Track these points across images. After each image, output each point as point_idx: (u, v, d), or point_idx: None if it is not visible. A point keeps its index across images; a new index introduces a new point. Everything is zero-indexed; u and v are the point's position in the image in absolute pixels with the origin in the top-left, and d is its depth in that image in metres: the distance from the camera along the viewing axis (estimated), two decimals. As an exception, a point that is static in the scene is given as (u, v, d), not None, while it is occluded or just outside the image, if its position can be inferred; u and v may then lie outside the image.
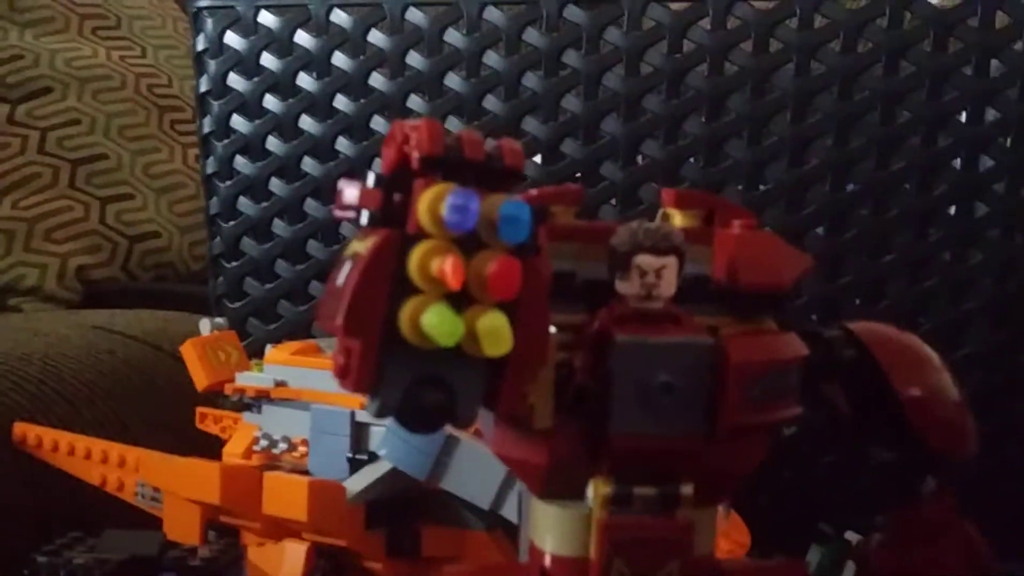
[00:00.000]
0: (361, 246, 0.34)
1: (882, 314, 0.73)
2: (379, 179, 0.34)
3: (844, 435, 0.43)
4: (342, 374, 0.34)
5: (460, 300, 0.34)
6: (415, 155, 0.34)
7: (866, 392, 0.41)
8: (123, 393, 0.85)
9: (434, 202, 0.33)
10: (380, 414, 0.34)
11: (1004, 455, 0.73)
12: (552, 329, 0.37)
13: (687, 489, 0.38)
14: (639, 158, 0.77)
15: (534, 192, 0.40)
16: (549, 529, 0.39)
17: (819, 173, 0.74)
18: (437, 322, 0.33)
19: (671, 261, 0.37)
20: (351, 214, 0.35)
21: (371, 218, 0.34)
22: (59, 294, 1.37)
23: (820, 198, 0.74)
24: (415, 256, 0.33)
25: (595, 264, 0.39)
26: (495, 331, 0.33)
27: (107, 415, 0.82)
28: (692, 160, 0.76)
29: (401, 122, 0.35)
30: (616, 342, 0.37)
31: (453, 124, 0.78)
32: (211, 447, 0.72)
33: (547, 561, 0.39)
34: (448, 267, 0.33)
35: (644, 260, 0.37)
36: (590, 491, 0.38)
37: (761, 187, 0.75)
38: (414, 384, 0.34)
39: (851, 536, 0.57)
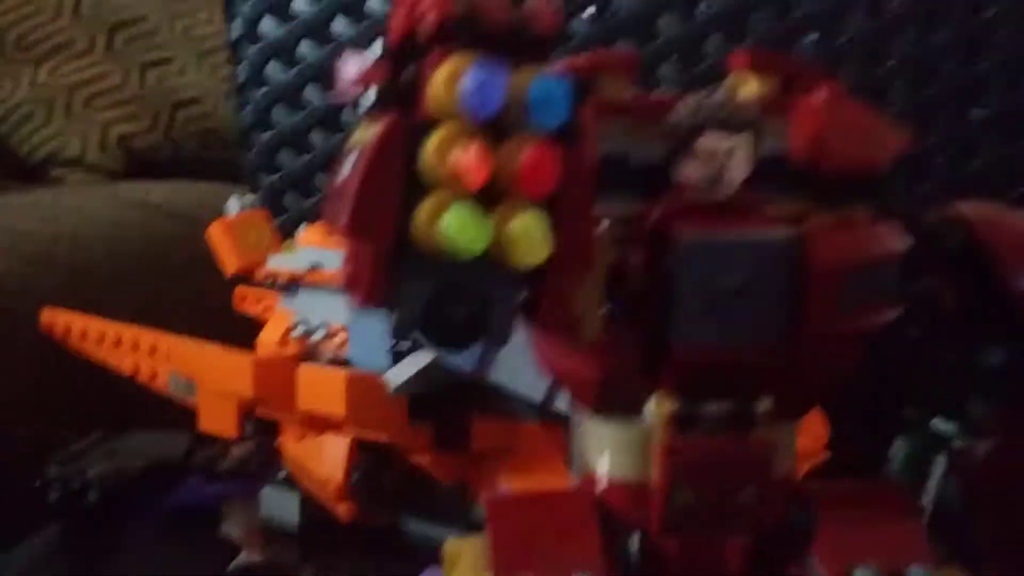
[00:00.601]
0: (366, 134, 0.29)
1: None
2: (385, 51, 0.28)
3: (949, 333, 0.37)
4: (351, 284, 0.29)
5: (486, 198, 0.28)
6: (427, 20, 0.28)
7: (975, 284, 0.35)
8: (157, 272, 0.81)
9: (451, 79, 0.27)
10: (400, 332, 0.30)
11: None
12: (603, 223, 0.31)
13: (764, 405, 0.32)
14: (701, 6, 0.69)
15: (578, 59, 0.34)
16: (604, 450, 0.34)
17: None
18: (459, 227, 0.27)
19: (743, 140, 0.31)
20: (353, 95, 0.29)
21: (377, 99, 0.29)
22: (102, 163, 1.33)
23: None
24: (430, 146, 0.28)
25: (652, 145, 0.33)
26: (529, 235, 0.28)
27: (140, 296, 0.78)
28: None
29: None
30: (678, 240, 0.31)
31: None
32: (252, 329, 0.68)
33: (602, 485, 0.34)
34: (471, 159, 0.27)
35: (711, 140, 0.31)
36: (651, 407, 0.33)
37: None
38: (437, 295, 0.29)
39: (939, 425, 0.52)
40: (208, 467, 0.60)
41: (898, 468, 0.52)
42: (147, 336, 0.65)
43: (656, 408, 0.32)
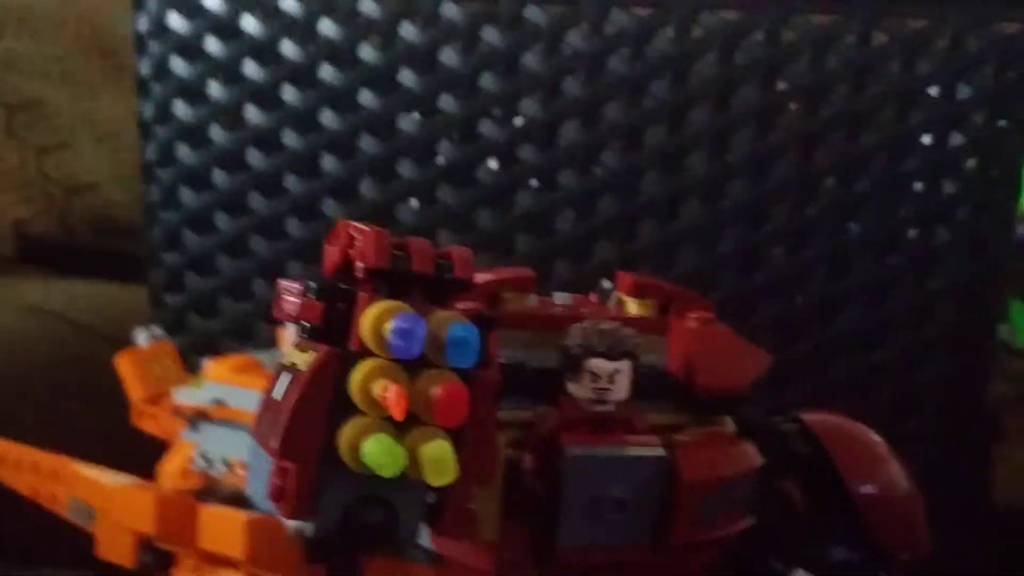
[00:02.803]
0: (301, 359, 0.33)
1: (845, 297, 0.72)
2: (319, 291, 0.32)
3: (800, 533, 0.42)
4: (277, 497, 0.32)
5: (404, 422, 0.32)
6: (359, 265, 0.32)
7: (822, 489, 0.40)
8: (58, 386, 0.82)
9: (378, 322, 0.31)
10: (318, 535, 0.33)
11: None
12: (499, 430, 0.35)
13: (635, 598, 0.37)
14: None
15: (485, 277, 0.38)
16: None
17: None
18: (378, 452, 0.31)
19: (625, 366, 0.36)
20: (289, 320, 0.33)
21: (312, 331, 0.33)
22: (-6, 248, 1.32)
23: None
24: (357, 377, 0.32)
25: (547, 354, 0.37)
26: (440, 461, 0.32)
27: (41, 411, 0.79)
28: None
29: (347, 223, 0.33)
30: (567, 454, 0.35)
31: (406, 122, 0.76)
32: (150, 443, 0.70)
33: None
34: (392, 395, 0.31)
35: (597, 364, 0.36)
36: (538, 598, 0.37)
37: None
38: (353, 507, 0.33)
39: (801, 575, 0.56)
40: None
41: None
42: (48, 460, 0.67)
43: (541, 599, 0.36)
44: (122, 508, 0.60)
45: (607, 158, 0.74)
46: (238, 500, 0.62)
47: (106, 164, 1.48)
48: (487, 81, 0.75)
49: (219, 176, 0.79)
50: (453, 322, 0.32)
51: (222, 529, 0.57)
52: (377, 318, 0.31)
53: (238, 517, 0.58)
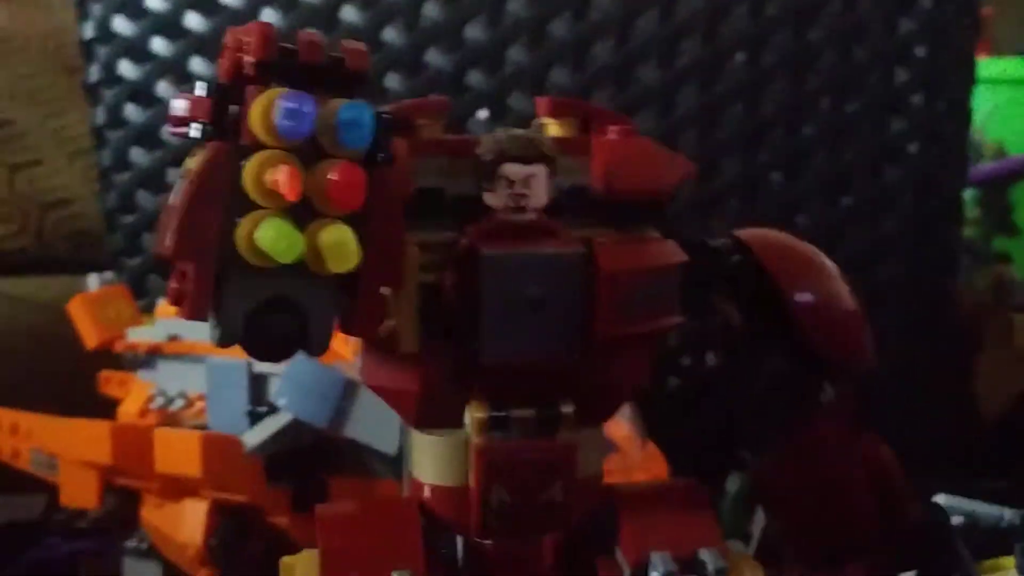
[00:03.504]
0: (193, 162, 0.32)
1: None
2: (209, 87, 0.32)
3: (737, 346, 0.41)
4: (176, 300, 0.31)
5: (303, 214, 0.31)
6: (248, 60, 0.31)
7: (756, 299, 0.39)
8: (20, 357, 0.81)
9: (266, 108, 0.31)
10: (223, 342, 0.32)
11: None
12: (414, 247, 0.34)
13: (567, 408, 0.36)
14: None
15: (396, 105, 0.37)
16: (426, 458, 0.37)
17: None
18: (273, 236, 0.30)
19: (540, 169, 0.35)
20: (184, 129, 0.32)
21: (203, 131, 0.32)
22: (-30, 266, 1.32)
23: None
24: (249, 168, 0.31)
25: (464, 179, 0.36)
26: (339, 245, 0.31)
27: (2, 382, 0.78)
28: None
29: (236, 28, 0.33)
30: (482, 256, 0.34)
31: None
32: (114, 411, 0.69)
33: (427, 492, 0.37)
34: (283, 176, 0.30)
35: (511, 169, 0.35)
36: (466, 417, 0.36)
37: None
38: (258, 308, 0.32)
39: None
40: (66, 525, 0.60)
41: (730, 503, 0.56)
42: (8, 415, 0.66)
43: (470, 416, 0.35)
44: (79, 443, 0.60)
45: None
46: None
47: (77, 179, 1.48)
48: None
49: (176, 176, 0.79)
50: (344, 104, 0.31)
51: (178, 449, 0.57)
52: (265, 104, 0.31)
53: (192, 435, 0.57)
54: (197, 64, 0.76)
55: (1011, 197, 1.19)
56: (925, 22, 0.69)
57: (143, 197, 0.79)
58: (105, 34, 0.79)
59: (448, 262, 0.35)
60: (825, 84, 0.70)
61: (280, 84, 0.31)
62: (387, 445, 0.58)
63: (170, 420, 0.63)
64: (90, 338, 0.66)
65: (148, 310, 0.74)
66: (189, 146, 0.85)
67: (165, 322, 0.65)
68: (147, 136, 0.78)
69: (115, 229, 0.80)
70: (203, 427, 0.62)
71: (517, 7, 0.73)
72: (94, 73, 0.79)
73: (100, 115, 0.80)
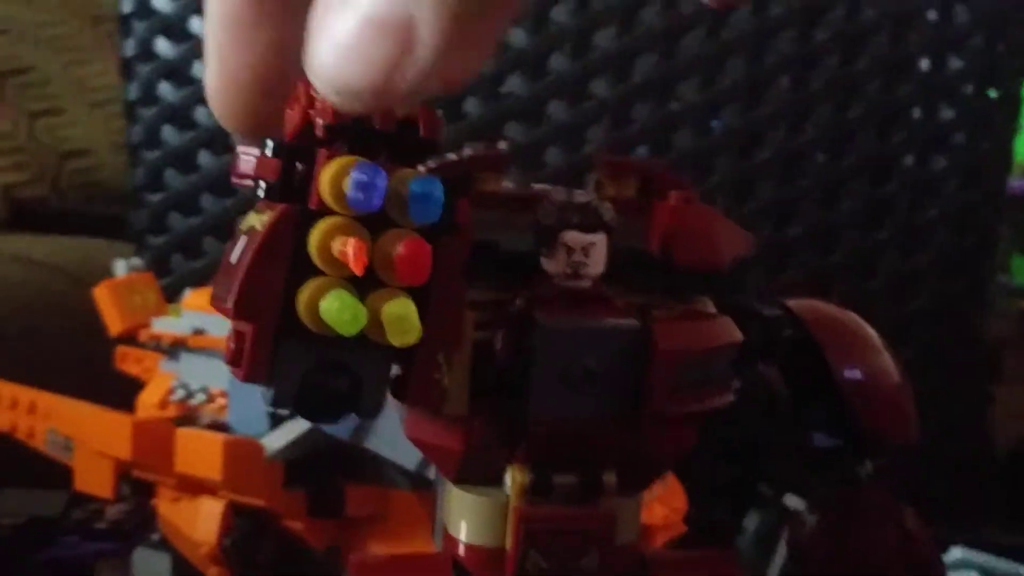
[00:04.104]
0: (258, 220, 0.31)
1: (834, 266, 0.71)
2: (277, 148, 0.31)
3: (783, 418, 0.40)
4: (234, 361, 0.31)
5: (365, 283, 0.31)
6: (319, 122, 0.31)
7: (806, 373, 0.39)
8: (38, 329, 0.81)
9: (337, 177, 0.30)
10: (276, 404, 0.32)
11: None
12: (469, 309, 0.34)
13: (610, 477, 0.35)
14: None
15: (455, 156, 0.37)
16: (464, 516, 0.36)
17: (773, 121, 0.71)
18: (338, 309, 0.30)
19: (600, 238, 0.35)
20: (248, 183, 0.32)
21: (269, 190, 0.31)
22: (-16, 212, 1.32)
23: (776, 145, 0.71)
24: (315, 235, 0.30)
25: (521, 234, 0.36)
26: (402, 319, 0.30)
27: (20, 353, 0.78)
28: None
29: (307, 82, 0.32)
30: (538, 324, 0.34)
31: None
32: (131, 388, 0.68)
33: (461, 550, 0.36)
34: (351, 249, 0.30)
35: (571, 237, 0.34)
36: (508, 478, 0.36)
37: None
38: (313, 372, 0.31)
39: (791, 501, 0.55)
40: (84, 525, 0.60)
41: (749, 540, 0.56)
42: (26, 393, 0.66)
43: (512, 478, 0.35)
44: (99, 434, 0.59)
45: (593, 134, 0.73)
46: (218, 429, 0.61)
47: (97, 130, 1.47)
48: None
49: (202, 114, 0.78)
50: (415, 177, 0.31)
51: (199, 452, 0.56)
52: (336, 172, 0.30)
53: (215, 439, 0.57)
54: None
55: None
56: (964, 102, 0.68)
57: (171, 175, 0.78)
58: (143, 10, 0.78)
59: (502, 325, 0.35)
60: (866, 115, 0.70)
61: (351, 147, 0.31)
62: (406, 459, 0.58)
63: (190, 413, 0.63)
64: (114, 325, 0.66)
65: (170, 287, 0.74)
66: (223, 133, 0.84)
67: (191, 315, 0.64)
68: (179, 115, 0.77)
69: (142, 206, 0.79)
70: (223, 424, 0.62)
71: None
72: (129, 48, 0.79)
73: (133, 91, 0.79)
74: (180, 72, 0.76)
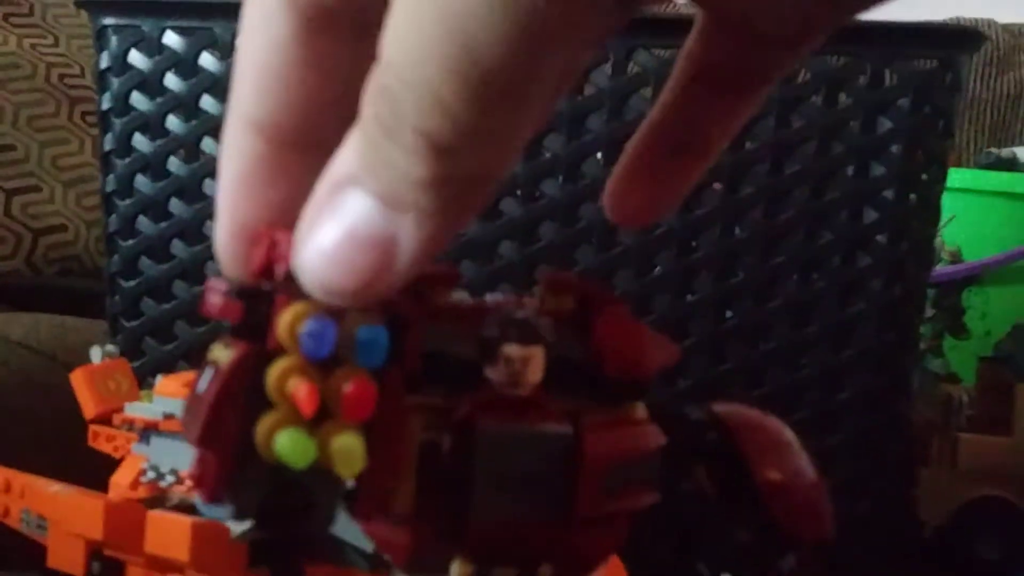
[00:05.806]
0: (223, 355, 0.35)
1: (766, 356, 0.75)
2: (240, 292, 0.35)
3: (710, 514, 0.44)
4: (199, 484, 0.34)
5: (317, 416, 0.34)
6: (279, 268, 0.34)
7: (729, 475, 0.43)
8: (13, 407, 0.83)
9: (292, 324, 0.34)
10: (237, 517, 0.35)
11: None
12: (418, 414, 0.38)
13: (545, 571, 0.39)
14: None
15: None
16: (413, 605, 0.40)
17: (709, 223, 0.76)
18: (289, 447, 0.33)
19: (538, 351, 0.38)
20: (215, 318, 0.35)
21: (233, 329, 0.35)
22: (-41, 287, 1.34)
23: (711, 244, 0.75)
24: (272, 375, 0.34)
25: (466, 344, 0.40)
26: (347, 453, 0.34)
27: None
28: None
29: (271, 227, 0.35)
30: (478, 429, 0.37)
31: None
32: (105, 466, 0.71)
33: (408, 638, 0.40)
34: (302, 394, 0.33)
35: (511, 350, 0.38)
36: (452, 570, 0.39)
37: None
38: (271, 493, 0.35)
39: (727, 579, 0.59)
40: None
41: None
42: (1, 473, 0.68)
43: (455, 571, 0.39)
44: (72, 515, 0.62)
45: (549, 187, 0.77)
46: (186, 509, 0.64)
47: (72, 207, 1.51)
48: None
49: (176, 206, 0.82)
50: (363, 324, 0.34)
51: (168, 533, 0.59)
52: (291, 320, 0.34)
53: (183, 521, 0.60)
54: (207, 102, 0.79)
55: (964, 301, 1.24)
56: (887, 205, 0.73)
57: (145, 263, 0.81)
58: (120, 66, 0.82)
59: (446, 428, 0.38)
60: (795, 218, 0.74)
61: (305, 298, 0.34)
62: (365, 543, 0.61)
63: (160, 495, 0.66)
64: (89, 409, 0.69)
65: (142, 369, 0.77)
66: (197, 224, 0.87)
67: (162, 400, 0.67)
68: (152, 165, 0.81)
69: (116, 292, 0.82)
70: (191, 505, 0.65)
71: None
72: (106, 102, 0.82)
73: (108, 143, 0.83)
74: (156, 167, 0.80)
